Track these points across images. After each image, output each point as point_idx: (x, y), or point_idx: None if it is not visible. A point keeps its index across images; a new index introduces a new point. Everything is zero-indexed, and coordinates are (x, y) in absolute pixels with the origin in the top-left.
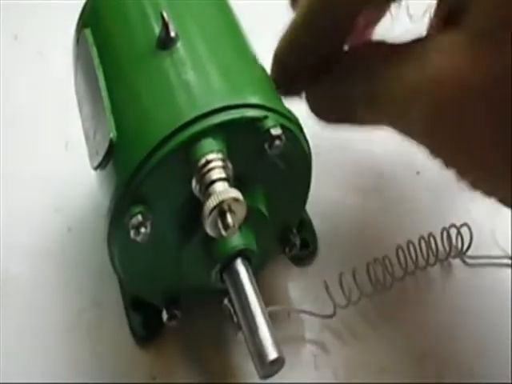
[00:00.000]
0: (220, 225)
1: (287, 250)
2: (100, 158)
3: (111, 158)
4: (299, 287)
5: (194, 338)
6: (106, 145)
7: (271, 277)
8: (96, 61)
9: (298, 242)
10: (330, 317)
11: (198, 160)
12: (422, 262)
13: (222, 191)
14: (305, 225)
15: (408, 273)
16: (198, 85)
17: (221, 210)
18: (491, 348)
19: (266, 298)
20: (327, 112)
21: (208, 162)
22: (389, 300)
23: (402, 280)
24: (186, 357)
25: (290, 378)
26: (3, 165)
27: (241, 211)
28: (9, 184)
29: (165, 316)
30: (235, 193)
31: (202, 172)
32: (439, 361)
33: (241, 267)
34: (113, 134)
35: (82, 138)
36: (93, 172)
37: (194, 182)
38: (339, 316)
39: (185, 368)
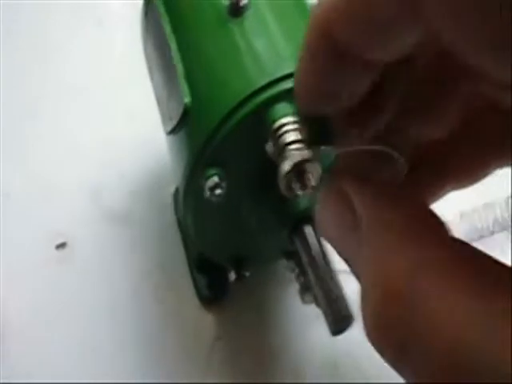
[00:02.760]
0: (296, 186)
1: None
2: (174, 122)
3: (185, 122)
4: None
5: (257, 300)
6: (180, 110)
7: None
8: (168, 30)
9: None
10: None
11: (273, 123)
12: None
13: (298, 153)
14: None
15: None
16: (268, 52)
17: (297, 171)
18: None
19: None
20: None
21: (283, 125)
22: None
23: None
24: (249, 318)
25: (349, 340)
26: (67, 134)
27: (316, 172)
28: (74, 152)
29: (233, 276)
30: (311, 154)
31: (277, 135)
32: None
33: (311, 229)
34: (187, 100)
35: (145, 106)
36: (157, 138)
37: (269, 146)
38: None
39: (248, 329)
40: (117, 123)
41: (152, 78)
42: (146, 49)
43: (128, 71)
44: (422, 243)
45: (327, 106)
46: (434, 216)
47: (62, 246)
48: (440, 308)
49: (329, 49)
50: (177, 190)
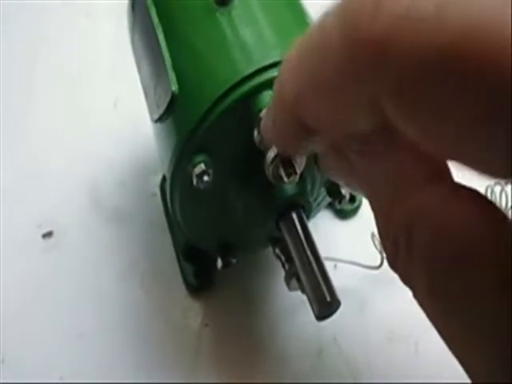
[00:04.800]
0: (282, 172)
1: (337, 202)
2: (161, 111)
3: (172, 110)
4: (344, 240)
5: (244, 287)
6: (167, 98)
7: (317, 229)
8: (155, 20)
9: (348, 194)
10: (377, 268)
11: (260, 111)
12: None
13: None
14: None
15: None
16: (255, 40)
17: (283, 158)
18: None
19: None
20: None
21: None
22: None
23: None
24: (236, 305)
25: (335, 327)
26: (53, 123)
27: (301, 159)
28: (60, 141)
29: (219, 263)
30: None
31: None
32: None
33: (297, 215)
34: (175, 87)
35: (131, 96)
36: (143, 128)
37: (255, 133)
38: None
39: (235, 316)
40: (104, 113)
41: (139, 69)
42: (133, 39)
43: (115, 61)
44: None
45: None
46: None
47: (48, 234)
48: None
49: (293, 124)
50: (164, 179)
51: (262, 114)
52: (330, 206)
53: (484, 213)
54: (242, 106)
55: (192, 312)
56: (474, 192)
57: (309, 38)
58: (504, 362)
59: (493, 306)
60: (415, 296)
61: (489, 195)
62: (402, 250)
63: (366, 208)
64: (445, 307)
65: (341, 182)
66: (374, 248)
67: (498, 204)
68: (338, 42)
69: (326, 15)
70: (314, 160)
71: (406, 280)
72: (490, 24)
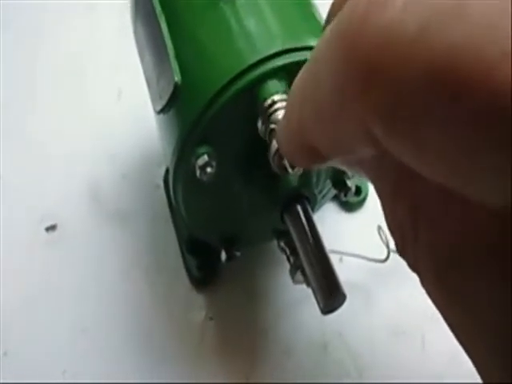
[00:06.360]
0: (286, 162)
1: (342, 194)
2: (164, 101)
3: (175, 101)
4: (350, 233)
5: (248, 281)
6: (170, 89)
7: (322, 222)
8: (158, 9)
9: (353, 186)
10: (384, 261)
11: (265, 100)
12: None
13: None
14: None
15: None
16: (259, 30)
17: None
18: None
19: None
20: None
21: (274, 103)
22: None
23: None
24: (240, 298)
25: (340, 321)
26: (56, 116)
27: None
28: (62, 134)
29: (223, 256)
30: None
31: (268, 112)
32: None
33: (302, 207)
34: (177, 78)
35: (134, 87)
36: (147, 120)
37: (260, 123)
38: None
39: (239, 309)
40: (108, 105)
41: (142, 59)
42: (135, 30)
43: (119, 53)
44: None
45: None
46: None
47: (51, 228)
48: None
49: (303, 147)
50: (167, 171)
51: (267, 103)
52: (336, 198)
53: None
54: (246, 95)
55: (196, 305)
56: None
57: (310, 59)
58: (506, 356)
59: (493, 298)
60: (423, 284)
61: None
62: (408, 235)
63: (372, 200)
64: (449, 297)
65: (344, 167)
66: (380, 241)
67: None
68: (330, 64)
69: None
70: None
71: (414, 267)
72: (477, 44)
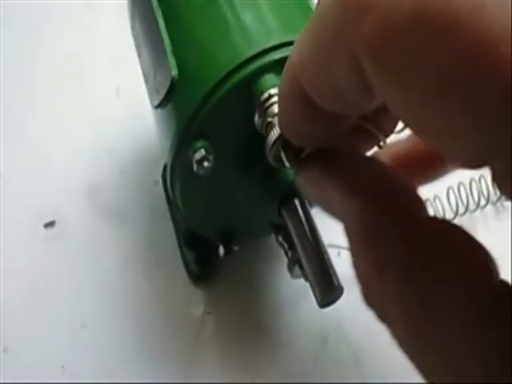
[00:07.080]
0: (283, 156)
1: None
2: (161, 96)
3: (173, 95)
4: None
5: (247, 275)
6: (167, 83)
7: (320, 216)
8: (155, 4)
9: None
10: None
11: (261, 94)
12: (472, 204)
13: None
14: None
15: (458, 214)
16: (256, 23)
17: (284, 141)
18: None
19: None
20: None
21: (271, 96)
22: None
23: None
24: (238, 293)
25: (339, 314)
26: (55, 112)
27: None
28: (61, 130)
29: (222, 251)
30: None
31: (265, 106)
32: None
33: (300, 202)
34: (174, 73)
35: (132, 84)
36: (145, 116)
37: (256, 116)
38: None
39: (238, 304)
40: (106, 101)
41: (139, 55)
42: (133, 26)
43: (117, 50)
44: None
45: (308, 143)
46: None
47: (50, 224)
48: None
49: (300, 98)
50: (165, 166)
51: (264, 97)
52: None
53: (457, 239)
54: (242, 89)
55: (194, 300)
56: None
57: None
58: None
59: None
60: (393, 334)
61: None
62: (374, 283)
63: None
64: (420, 343)
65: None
66: None
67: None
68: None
69: None
70: None
71: (383, 316)
72: None
